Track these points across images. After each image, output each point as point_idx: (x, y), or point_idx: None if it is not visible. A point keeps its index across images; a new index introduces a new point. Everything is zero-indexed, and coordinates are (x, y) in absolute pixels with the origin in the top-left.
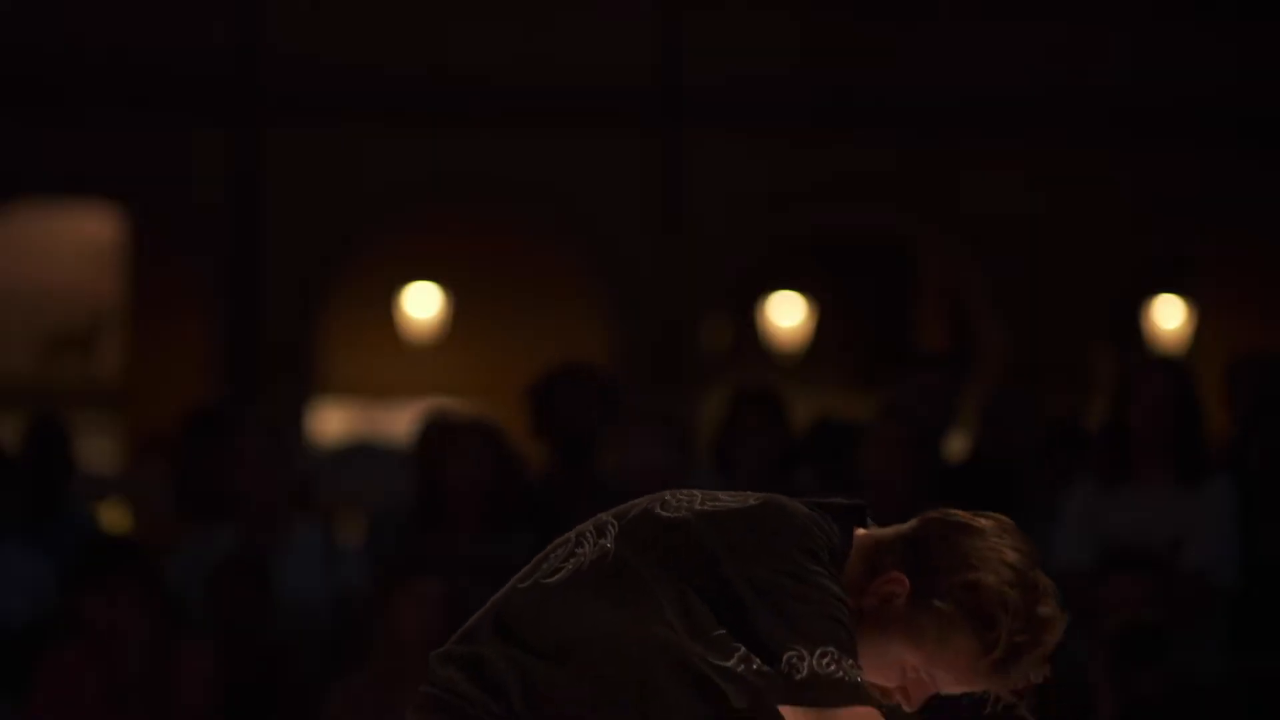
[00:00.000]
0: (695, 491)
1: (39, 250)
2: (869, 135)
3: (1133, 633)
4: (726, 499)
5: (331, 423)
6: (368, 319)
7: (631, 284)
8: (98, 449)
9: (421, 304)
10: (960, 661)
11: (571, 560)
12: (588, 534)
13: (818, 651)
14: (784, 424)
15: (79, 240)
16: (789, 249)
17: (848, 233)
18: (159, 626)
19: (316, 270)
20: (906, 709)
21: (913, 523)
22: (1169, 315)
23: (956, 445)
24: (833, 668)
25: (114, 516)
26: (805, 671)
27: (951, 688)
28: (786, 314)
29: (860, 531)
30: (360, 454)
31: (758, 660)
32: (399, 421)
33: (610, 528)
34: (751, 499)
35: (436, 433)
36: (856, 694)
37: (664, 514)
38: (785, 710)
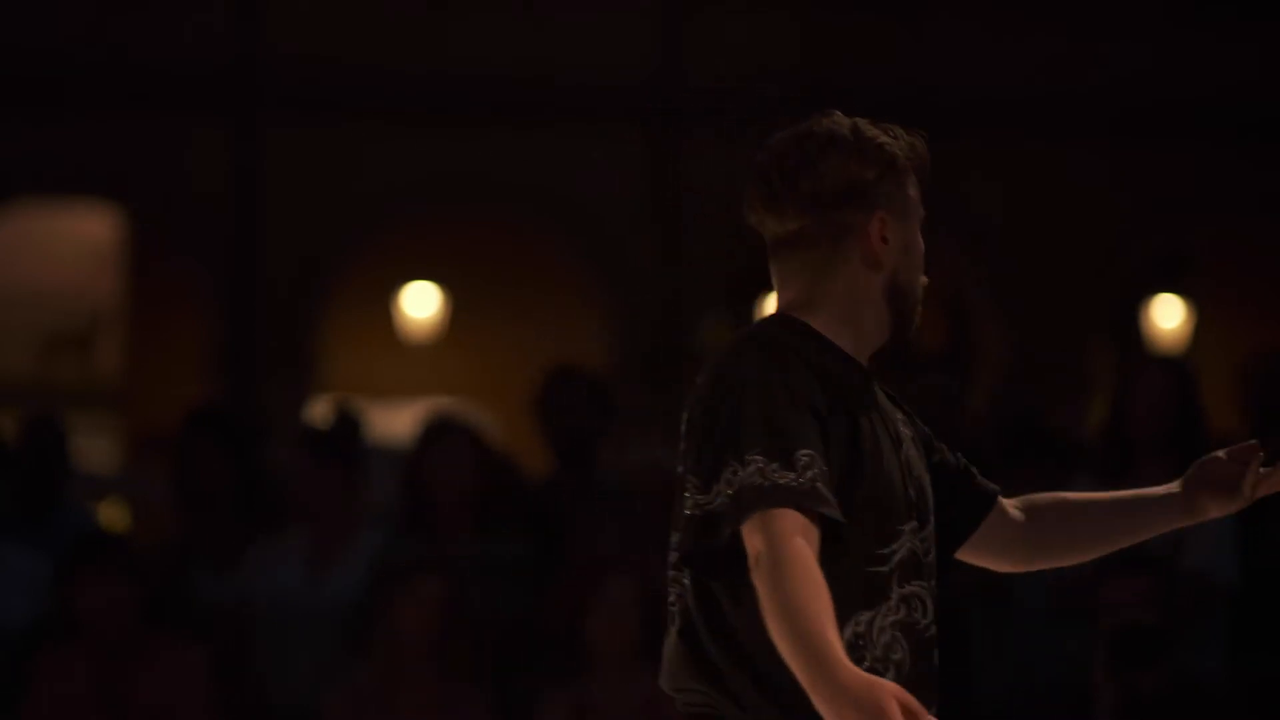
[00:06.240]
0: None
1: (38, 250)
2: None
3: (1132, 633)
4: None
5: None
6: (367, 319)
7: (631, 284)
8: (97, 449)
9: (420, 304)
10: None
11: None
12: None
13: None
14: None
15: (78, 240)
16: None
17: None
18: (151, 625)
19: (316, 270)
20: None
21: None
22: (1169, 315)
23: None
24: (754, 473)
25: (113, 516)
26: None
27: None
28: None
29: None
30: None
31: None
32: (399, 421)
33: None
34: None
35: (422, 436)
36: (775, 497)
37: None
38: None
